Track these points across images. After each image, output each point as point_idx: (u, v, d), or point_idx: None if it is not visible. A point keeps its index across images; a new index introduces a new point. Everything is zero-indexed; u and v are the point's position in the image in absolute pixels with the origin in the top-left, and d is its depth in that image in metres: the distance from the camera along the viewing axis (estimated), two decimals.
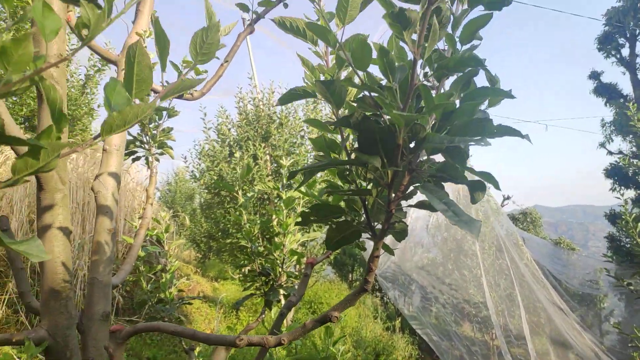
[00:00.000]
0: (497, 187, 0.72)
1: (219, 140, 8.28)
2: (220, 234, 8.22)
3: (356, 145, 0.74)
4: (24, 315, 4.11)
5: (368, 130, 0.70)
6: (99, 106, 7.80)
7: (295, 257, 2.05)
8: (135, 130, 2.54)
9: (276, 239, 2.04)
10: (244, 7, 2.06)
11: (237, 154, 7.05)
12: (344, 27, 0.77)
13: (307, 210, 0.84)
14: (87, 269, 5.14)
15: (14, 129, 1.00)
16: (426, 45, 0.65)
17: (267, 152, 7.52)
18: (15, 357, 3.11)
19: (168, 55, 0.81)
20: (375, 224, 0.83)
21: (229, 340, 0.84)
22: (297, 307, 8.20)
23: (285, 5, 2.25)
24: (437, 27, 0.65)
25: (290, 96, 0.94)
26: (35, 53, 0.52)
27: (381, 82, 0.77)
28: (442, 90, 0.84)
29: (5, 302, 4.03)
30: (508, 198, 13.91)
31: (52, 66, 0.46)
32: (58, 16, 0.47)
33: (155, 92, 2.10)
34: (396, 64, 0.69)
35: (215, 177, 7.50)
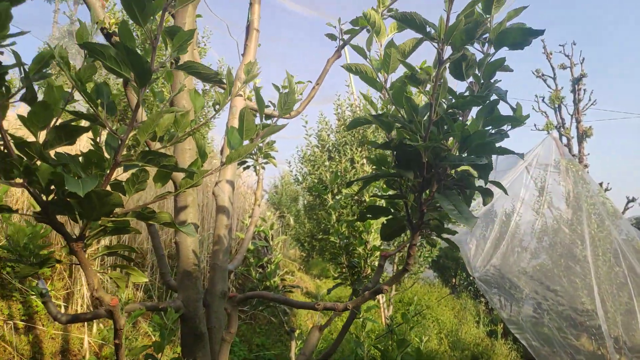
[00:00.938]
0: (505, 192, 0.95)
1: (319, 145, 8.80)
2: (321, 234, 8.74)
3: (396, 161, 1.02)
4: (156, 298, 4.90)
5: (403, 152, 0.97)
6: (213, 118, 8.79)
7: (378, 253, 2.34)
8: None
9: (361, 236, 2.34)
10: (332, 37, 2.40)
11: (336, 158, 7.48)
12: (389, 76, 1.05)
13: (364, 210, 1.13)
14: (207, 257, 5.88)
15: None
16: (439, 92, 0.91)
17: (364, 155, 7.84)
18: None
19: (265, 108, 1.15)
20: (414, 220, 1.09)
21: (310, 305, 1.15)
22: (395, 307, 8.37)
23: (368, 31, 2.54)
24: (446, 80, 0.91)
25: (356, 123, 1.24)
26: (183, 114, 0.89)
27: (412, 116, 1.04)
28: (468, 117, 1.08)
29: (142, 287, 4.86)
30: (633, 200, 12.53)
31: (201, 126, 0.81)
32: (202, 98, 0.82)
33: (269, 116, 2.52)
34: (420, 105, 0.96)
35: (316, 181, 8.02)
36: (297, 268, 12.09)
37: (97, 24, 1.48)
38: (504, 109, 1.36)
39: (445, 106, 0.97)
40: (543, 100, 13.34)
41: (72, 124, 0.79)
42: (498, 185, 0.98)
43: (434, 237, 1.37)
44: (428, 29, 0.90)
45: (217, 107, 0.86)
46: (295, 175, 9.30)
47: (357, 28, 2.35)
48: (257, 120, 2.52)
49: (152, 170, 0.86)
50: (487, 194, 0.95)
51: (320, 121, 9.10)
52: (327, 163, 8.32)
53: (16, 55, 0.90)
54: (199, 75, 0.88)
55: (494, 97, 1.06)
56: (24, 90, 0.85)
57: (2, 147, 0.78)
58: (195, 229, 2.08)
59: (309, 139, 8.90)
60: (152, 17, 0.80)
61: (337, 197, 2.48)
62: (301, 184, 9.39)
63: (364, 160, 7.96)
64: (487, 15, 1.15)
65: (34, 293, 3.55)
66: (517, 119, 1.05)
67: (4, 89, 0.82)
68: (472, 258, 7.04)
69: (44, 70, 0.83)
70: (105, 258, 4.30)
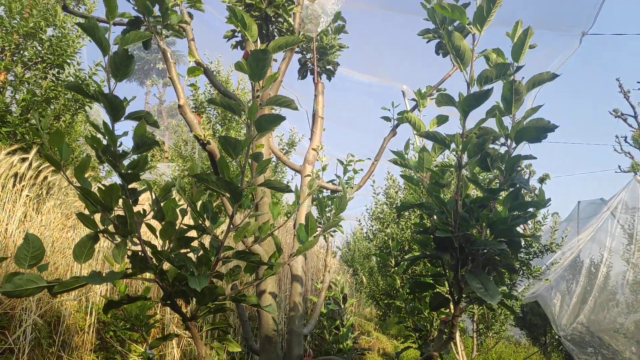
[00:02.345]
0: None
1: (388, 202, 8.97)
2: (395, 292, 8.69)
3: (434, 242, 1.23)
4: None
5: (438, 237, 1.19)
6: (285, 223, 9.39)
7: (443, 316, 2.44)
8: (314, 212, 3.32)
9: (425, 300, 2.47)
10: (387, 119, 2.69)
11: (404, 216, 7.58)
12: (427, 174, 1.28)
13: (412, 286, 1.32)
14: (284, 319, 6.11)
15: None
16: (462, 190, 1.13)
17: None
18: None
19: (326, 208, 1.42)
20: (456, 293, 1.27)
21: None
22: None
23: (415, 107, 2.80)
24: (466, 180, 1.13)
25: (404, 207, 1.47)
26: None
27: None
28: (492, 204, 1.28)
29: (225, 350, 5.19)
30: None
31: (278, 228, 1.09)
32: (279, 207, 1.11)
33: (326, 188, 2.82)
34: (447, 199, 1.17)
35: (386, 239, 8.13)
36: (374, 328, 11.90)
37: (195, 136, 1.88)
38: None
39: (473, 197, 1.18)
40: (625, 140, 12.62)
41: (187, 235, 1.11)
42: (525, 264, 1.15)
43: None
44: (448, 143, 1.14)
45: (289, 215, 1.15)
46: (366, 232, 9.46)
47: (403, 116, 2.63)
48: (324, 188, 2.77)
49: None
50: (512, 272, 1.12)
51: (387, 178, 9.33)
52: (397, 220, 8.43)
53: (147, 183, 1.25)
54: (275, 189, 1.18)
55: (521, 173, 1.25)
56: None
57: (140, 253, 1.11)
58: (273, 297, 2.36)
59: (376, 197, 9.12)
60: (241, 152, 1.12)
61: (401, 263, 2.66)
62: (372, 241, 9.50)
63: None
64: (510, 115, 1.37)
65: (135, 356, 3.97)
66: (539, 204, 1.23)
67: (141, 210, 1.16)
68: (557, 315, 6.63)
69: (167, 195, 1.17)
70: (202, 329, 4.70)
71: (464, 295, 1.22)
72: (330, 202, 3.18)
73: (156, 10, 1.93)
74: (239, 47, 2.79)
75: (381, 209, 8.86)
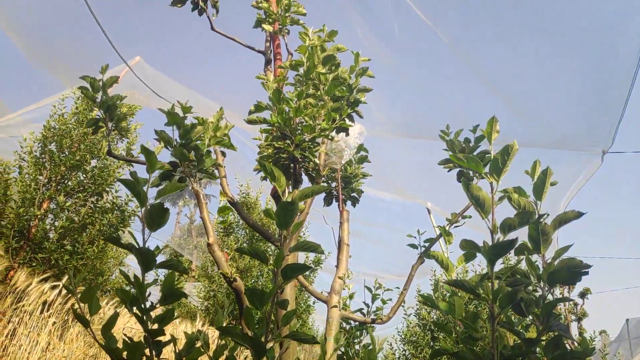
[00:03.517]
0: None
1: (420, 324, 8.50)
2: None
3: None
4: None
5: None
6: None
7: None
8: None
9: None
10: (414, 247, 2.68)
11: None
12: (459, 267, 1.24)
13: None
14: None
15: None
16: (497, 342, 1.07)
17: None
18: None
19: None
20: None
21: None
22: None
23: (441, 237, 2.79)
24: (501, 332, 1.08)
25: (438, 353, 1.39)
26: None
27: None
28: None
29: None
30: None
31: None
32: None
33: (353, 320, 2.71)
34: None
35: None
36: None
37: (222, 274, 1.90)
38: None
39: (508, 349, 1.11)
40: None
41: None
42: None
43: None
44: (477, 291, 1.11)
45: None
46: (399, 358, 8.83)
47: (428, 252, 2.62)
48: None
49: None
50: None
51: (418, 297, 8.95)
52: (431, 343, 7.90)
53: (172, 336, 1.24)
54: (302, 340, 1.15)
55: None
56: None
57: None
58: None
59: (408, 319, 8.68)
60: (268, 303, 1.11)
61: None
62: None
63: None
64: (537, 254, 1.35)
65: None
66: (584, 354, 1.15)
67: None
68: None
69: (190, 349, 1.14)
70: None
71: None
72: (358, 333, 3.04)
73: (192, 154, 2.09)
74: (267, 179, 2.94)
75: (413, 331, 8.37)
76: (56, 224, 6.33)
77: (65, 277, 4.96)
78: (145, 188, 1.34)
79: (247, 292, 1.08)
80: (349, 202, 3.54)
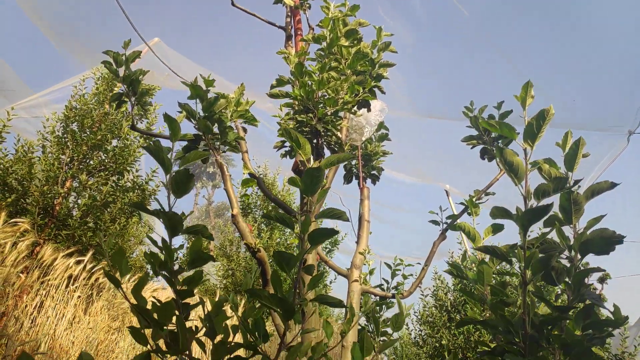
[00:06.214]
0: None
1: (437, 305, 8.50)
2: None
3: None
4: None
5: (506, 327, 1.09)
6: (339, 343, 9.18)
7: None
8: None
9: None
10: (436, 223, 2.66)
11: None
12: (487, 288, 1.22)
13: None
14: None
15: None
16: (529, 309, 1.05)
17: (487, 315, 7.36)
18: None
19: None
20: None
21: None
22: None
23: (464, 212, 2.76)
24: (533, 298, 1.06)
25: (464, 322, 1.39)
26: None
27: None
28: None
29: None
30: None
31: (333, 348, 1.04)
32: (332, 326, 1.07)
33: (373, 294, 2.72)
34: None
35: (437, 345, 7.57)
36: None
37: (246, 244, 1.91)
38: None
39: (540, 316, 1.09)
40: None
41: (237, 353, 1.08)
42: None
43: None
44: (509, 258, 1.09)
45: (343, 334, 1.10)
46: (415, 338, 8.87)
47: (455, 223, 2.59)
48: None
49: None
50: None
51: (435, 278, 8.94)
52: (448, 324, 7.91)
53: (201, 299, 1.25)
54: (329, 304, 1.15)
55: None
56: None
57: None
58: None
59: (425, 299, 8.68)
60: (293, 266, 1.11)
61: None
62: (422, 348, 8.87)
63: None
64: (569, 225, 1.32)
65: None
66: (616, 322, 1.13)
67: (193, 327, 1.15)
68: None
69: (219, 311, 1.16)
70: None
71: None
72: (378, 308, 3.05)
73: (215, 128, 2.09)
74: (287, 156, 2.93)
75: (430, 312, 8.38)
76: (79, 202, 6.46)
77: (90, 253, 5.08)
78: (169, 155, 1.34)
79: (275, 254, 1.08)
80: (368, 180, 3.52)
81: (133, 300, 1.08)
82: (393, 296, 2.68)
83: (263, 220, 9.84)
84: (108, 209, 6.60)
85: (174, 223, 1.18)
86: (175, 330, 1.13)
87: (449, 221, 2.68)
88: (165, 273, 1.14)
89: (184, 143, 2.11)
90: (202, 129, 1.91)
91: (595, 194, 1.35)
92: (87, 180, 6.44)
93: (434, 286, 8.86)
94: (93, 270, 5.06)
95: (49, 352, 4.24)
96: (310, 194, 1.24)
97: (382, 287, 3.05)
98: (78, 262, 4.89)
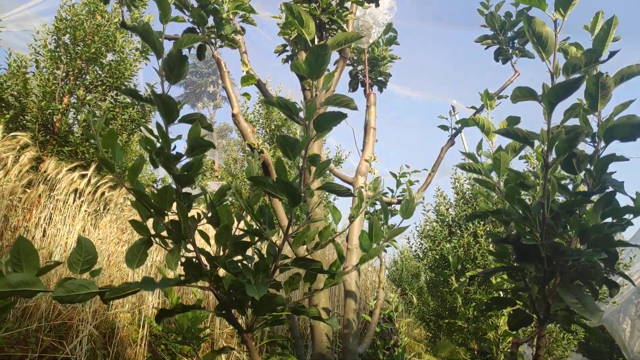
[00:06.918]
0: (632, 284, 0.96)
1: (439, 220, 8.66)
2: (447, 312, 8.30)
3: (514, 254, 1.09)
4: None
5: (522, 246, 1.05)
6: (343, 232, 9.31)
7: (510, 338, 2.24)
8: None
9: (489, 321, 2.28)
10: (444, 128, 2.56)
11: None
12: (500, 177, 1.16)
13: (489, 302, 1.18)
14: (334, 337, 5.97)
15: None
16: (549, 193, 0.99)
17: (487, 229, 7.51)
18: None
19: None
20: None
21: None
22: None
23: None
24: (555, 182, 0.99)
25: (474, 216, 1.34)
26: None
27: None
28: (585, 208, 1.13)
29: None
30: None
31: (340, 234, 1.00)
32: (340, 212, 1.02)
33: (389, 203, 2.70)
34: (533, 203, 1.04)
35: (437, 257, 7.82)
36: (424, 350, 11.43)
37: (248, 145, 1.84)
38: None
39: (559, 202, 1.04)
40: None
41: (243, 239, 1.04)
42: (624, 276, 0.99)
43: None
44: (531, 140, 1.01)
45: (352, 218, 1.06)
46: (415, 251, 9.17)
47: (467, 119, 2.49)
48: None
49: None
50: (613, 286, 0.97)
51: (437, 195, 9.03)
52: (449, 237, 8.12)
53: (202, 188, 1.20)
54: (336, 192, 1.09)
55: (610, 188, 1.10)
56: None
57: (195, 260, 1.05)
58: (327, 313, 2.25)
59: (427, 214, 8.84)
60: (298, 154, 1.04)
61: (462, 280, 2.49)
62: (422, 260, 9.20)
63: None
64: (595, 113, 1.23)
65: None
66: (637, 210, 1.07)
67: (195, 214, 1.11)
68: (627, 341, 6.07)
69: (223, 199, 1.11)
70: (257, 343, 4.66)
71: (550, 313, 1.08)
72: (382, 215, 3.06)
73: (210, 22, 1.93)
74: (289, 61, 2.76)
75: (431, 226, 8.57)
76: (79, 117, 6.35)
77: (93, 166, 5.07)
78: (160, 39, 1.21)
79: (278, 138, 1.01)
80: (375, 87, 3.37)
81: (128, 185, 1.02)
82: (399, 202, 2.66)
83: (266, 139, 9.76)
84: (108, 126, 6.50)
85: (168, 107, 1.09)
86: (177, 219, 1.09)
87: (458, 126, 2.58)
88: (163, 160, 1.07)
89: (175, 27, 1.96)
90: (196, 20, 1.76)
91: (626, 78, 1.24)
92: (84, 95, 6.28)
93: (435, 202, 8.97)
94: (98, 185, 5.08)
95: (63, 261, 4.37)
96: (316, 77, 1.13)
97: (387, 195, 3.03)
98: (82, 177, 4.89)
